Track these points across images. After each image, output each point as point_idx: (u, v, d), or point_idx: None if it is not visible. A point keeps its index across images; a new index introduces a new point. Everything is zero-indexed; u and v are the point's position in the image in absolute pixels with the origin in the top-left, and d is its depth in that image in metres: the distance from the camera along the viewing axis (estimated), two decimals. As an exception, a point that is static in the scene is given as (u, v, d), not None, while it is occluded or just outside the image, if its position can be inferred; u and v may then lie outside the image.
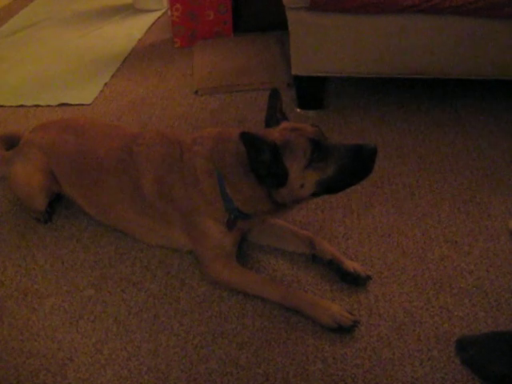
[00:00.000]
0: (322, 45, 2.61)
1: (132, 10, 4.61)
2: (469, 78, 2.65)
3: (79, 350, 1.69)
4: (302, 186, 1.70)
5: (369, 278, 1.85)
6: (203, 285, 1.89)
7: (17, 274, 1.99)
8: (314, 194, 1.75)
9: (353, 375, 1.56)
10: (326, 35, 2.58)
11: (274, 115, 1.82)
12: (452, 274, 1.87)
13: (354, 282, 1.84)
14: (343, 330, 1.67)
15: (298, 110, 2.89)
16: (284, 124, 1.78)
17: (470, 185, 2.28)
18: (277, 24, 3.46)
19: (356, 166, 1.70)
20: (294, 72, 2.78)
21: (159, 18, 4.45)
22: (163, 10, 4.52)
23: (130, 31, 4.18)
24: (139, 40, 4.03)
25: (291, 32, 2.64)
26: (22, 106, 3.17)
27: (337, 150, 1.69)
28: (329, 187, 1.73)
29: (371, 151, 1.69)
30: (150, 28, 4.25)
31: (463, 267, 1.89)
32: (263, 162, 1.65)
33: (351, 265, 1.85)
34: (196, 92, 3.18)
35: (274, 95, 1.83)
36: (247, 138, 1.61)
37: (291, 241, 1.99)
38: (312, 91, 2.87)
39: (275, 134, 1.71)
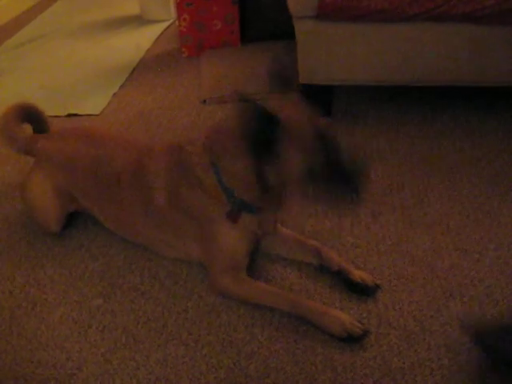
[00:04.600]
0: (330, 54, 2.61)
1: (140, 20, 4.64)
2: (478, 85, 2.65)
3: (88, 360, 1.69)
4: (290, 167, 1.61)
5: (377, 287, 1.84)
6: (212, 294, 1.88)
7: (26, 284, 1.99)
8: (300, 182, 1.66)
9: (363, 385, 1.56)
10: (333, 44, 2.58)
11: (279, 84, 1.77)
12: (462, 282, 1.86)
13: (363, 292, 1.83)
14: (353, 340, 1.65)
15: (306, 118, 2.88)
16: (297, 100, 1.70)
17: (479, 192, 2.27)
18: (284, 33, 3.46)
19: (341, 178, 1.64)
20: (301, 81, 2.78)
21: (167, 28, 4.47)
22: (171, 21, 4.54)
23: (139, 42, 4.20)
24: (147, 50, 4.05)
25: (298, 41, 2.64)
26: (31, 116, 3.18)
27: (336, 152, 1.63)
28: (313, 180, 1.64)
29: (358, 171, 1.64)
30: (158, 38, 4.28)
31: (473, 275, 1.88)
32: (262, 132, 1.56)
33: (359, 275, 1.84)
34: (204, 101, 3.19)
35: (275, 62, 1.79)
36: (248, 106, 1.54)
37: (299, 251, 1.98)
38: (320, 99, 2.86)
39: (285, 109, 1.62)
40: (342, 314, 1.69)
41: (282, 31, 3.60)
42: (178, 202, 1.87)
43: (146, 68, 3.77)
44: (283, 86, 1.79)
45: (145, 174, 1.93)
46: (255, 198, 1.76)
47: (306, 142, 1.60)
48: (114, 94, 3.40)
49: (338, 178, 1.64)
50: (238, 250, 1.85)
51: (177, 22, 3.92)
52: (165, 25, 4.51)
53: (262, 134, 1.56)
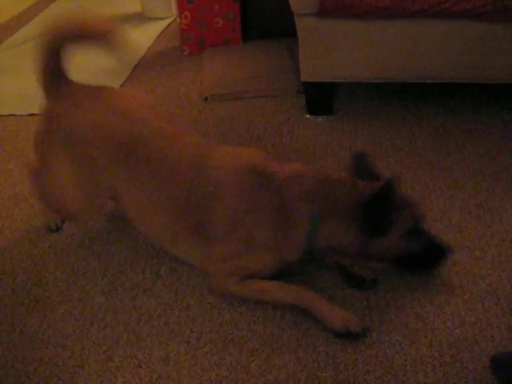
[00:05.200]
0: (331, 51, 2.61)
1: (141, 18, 4.63)
2: (481, 82, 2.64)
3: (90, 358, 1.69)
4: (393, 246, 1.73)
5: (375, 281, 1.84)
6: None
7: (28, 281, 2.00)
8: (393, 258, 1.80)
9: (364, 381, 1.55)
10: (334, 41, 2.58)
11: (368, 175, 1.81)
12: (464, 279, 1.86)
13: (360, 286, 1.83)
14: (352, 337, 1.65)
15: (308, 116, 2.89)
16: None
17: (480, 189, 2.27)
18: (285, 31, 3.46)
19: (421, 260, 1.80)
20: (303, 78, 2.78)
21: (168, 25, 4.47)
22: (172, 18, 4.54)
23: (140, 39, 4.20)
24: (148, 48, 4.06)
25: (300, 38, 2.64)
26: (32, 114, 3.18)
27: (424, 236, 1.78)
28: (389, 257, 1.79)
29: (442, 255, 1.82)
30: (159, 36, 4.28)
31: (475, 272, 1.88)
32: (383, 214, 1.66)
33: (357, 268, 1.85)
34: (205, 99, 3.19)
35: (360, 158, 1.86)
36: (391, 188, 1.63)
37: None
38: (321, 97, 2.87)
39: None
40: (344, 311, 1.69)
41: (283, 29, 3.61)
42: (240, 230, 1.75)
43: (147, 66, 3.77)
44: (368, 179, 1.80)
45: (208, 187, 1.77)
46: (329, 255, 1.86)
47: (411, 225, 1.73)
48: (116, 91, 3.40)
49: (422, 258, 1.80)
50: (261, 273, 1.80)
51: (178, 20, 3.92)
52: (166, 22, 4.51)
53: (382, 215, 1.67)
